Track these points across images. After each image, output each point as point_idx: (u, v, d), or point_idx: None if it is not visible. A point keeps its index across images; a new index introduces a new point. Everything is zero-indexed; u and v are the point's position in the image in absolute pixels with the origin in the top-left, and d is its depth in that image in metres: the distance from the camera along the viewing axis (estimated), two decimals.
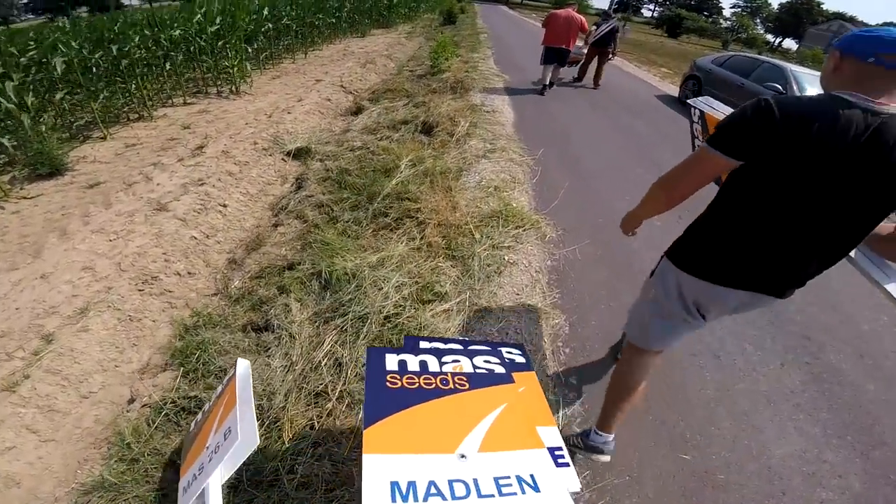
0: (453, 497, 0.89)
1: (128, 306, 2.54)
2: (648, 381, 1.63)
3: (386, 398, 1.08)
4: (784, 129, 1.07)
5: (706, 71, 7.80)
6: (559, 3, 55.12)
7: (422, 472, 0.92)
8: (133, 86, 5.36)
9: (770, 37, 61.72)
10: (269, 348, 2.20)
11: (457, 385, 1.16)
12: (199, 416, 1.65)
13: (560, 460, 1.03)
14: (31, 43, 5.02)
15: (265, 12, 7.96)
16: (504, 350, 1.36)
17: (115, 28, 5.65)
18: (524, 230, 3.27)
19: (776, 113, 1.08)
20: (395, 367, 1.19)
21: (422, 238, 2.98)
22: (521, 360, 1.33)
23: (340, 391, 1.97)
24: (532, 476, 0.97)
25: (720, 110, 1.98)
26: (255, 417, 1.20)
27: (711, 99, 2.19)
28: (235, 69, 6.42)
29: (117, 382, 2.21)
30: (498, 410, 1.11)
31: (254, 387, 1.65)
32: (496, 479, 0.94)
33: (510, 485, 0.94)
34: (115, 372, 2.25)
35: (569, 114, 6.46)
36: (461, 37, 13.75)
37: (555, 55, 7.10)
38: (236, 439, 1.14)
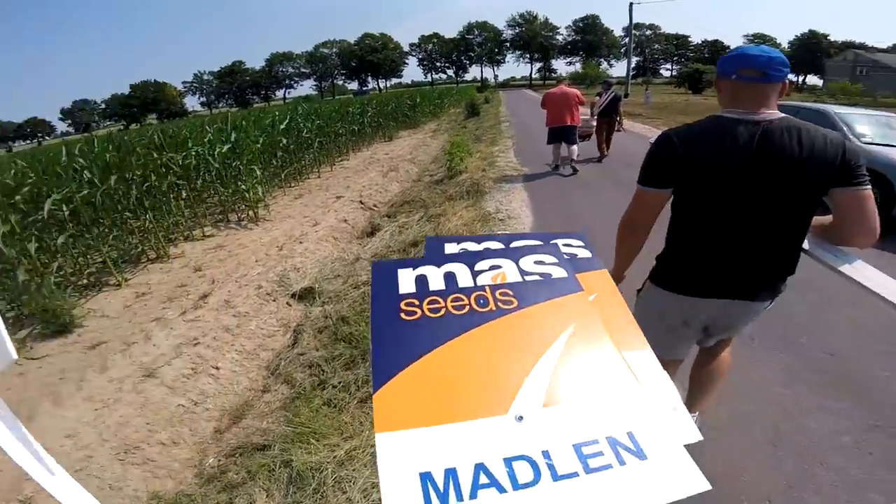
0: (515, 485, 0.55)
1: (108, 475, 2.48)
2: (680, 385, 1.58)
3: (402, 339, 0.72)
4: (685, 154, 1.24)
5: None
6: (579, 77, 57.98)
7: (464, 450, 0.59)
8: (147, 221, 5.18)
9: (791, 76, 60.66)
10: None
11: (500, 304, 0.79)
12: None
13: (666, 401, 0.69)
14: (31, 174, 4.52)
15: (281, 126, 8.14)
16: (560, 242, 0.98)
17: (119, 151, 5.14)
18: None
19: (675, 143, 1.26)
20: (412, 289, 0.81)
21: None
22: (584, 253, 0.98)
23: None
24: (631, 435, 0.62)
25: None
26: None
27: None
28: (250, 193, 6.39)
29: None
30: (565, 336, 0.74)
31: None
32: (577, 448, 0.60)
33: (600, 454, 0.60)
34: None
35: (591, 201, 5.99)
36: (482, 129, 14.15)
37: (558, 134, 7.07)
38: None
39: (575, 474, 0.57)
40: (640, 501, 0.55)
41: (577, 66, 70.41)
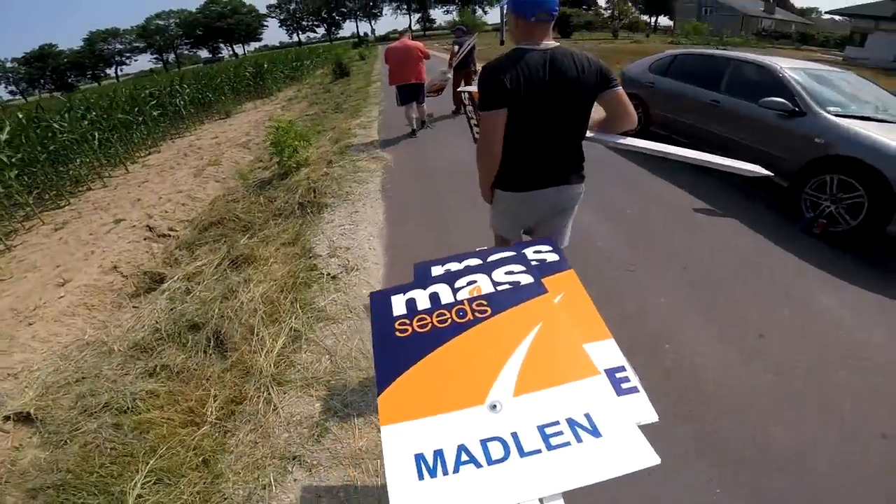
0: (489, 461, 0.70)
1: None
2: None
3: (397, 352, 0.89)
4: (504, 79, 1.56)
5: (647, 87, 5.53)
6: (468, 30, 55.34)
7: (448, 435, 0.75)
8: None
9: (644, 18, 64.34)
10: None
11: (476, 314, 0.94)
12: None
13: (623, 385, 0.82)
14: None
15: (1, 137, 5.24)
16: (530, 251, 1.12)
17: None
18: None
19: (497, 72, 1.58)
20: (403, 311, 0.98)
21: None
22: (552, 257, 1.10)
23: None
24: (588, 415, 0.74)
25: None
26: None
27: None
28: None
29: None
30: (532, 334, 0.88)
31: None
32: (541, 429, 0.73)
33: (560, 433, 0.72)
34: None
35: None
36: (348, 93, 11.58)
37: (408, 93, 6.32)
38: None
39: (538, 451, 0.70)
40: (594, 474, 0.66)
41: (455, 15, 67.41)
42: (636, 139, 1.82)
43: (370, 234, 3.59)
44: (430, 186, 4.52)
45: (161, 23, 70.11)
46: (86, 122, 6.81)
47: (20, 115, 6.52)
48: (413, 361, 0.86)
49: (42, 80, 68.51)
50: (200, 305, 2.89)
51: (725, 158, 1.67)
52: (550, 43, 1.61)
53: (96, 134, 6.90)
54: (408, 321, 0.94)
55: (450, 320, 0.93)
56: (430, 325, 0.93)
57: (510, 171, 1.76)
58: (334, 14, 74.05)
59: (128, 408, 2.20)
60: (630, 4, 52.56)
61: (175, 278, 3.50)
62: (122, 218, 5.28)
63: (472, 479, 0.68)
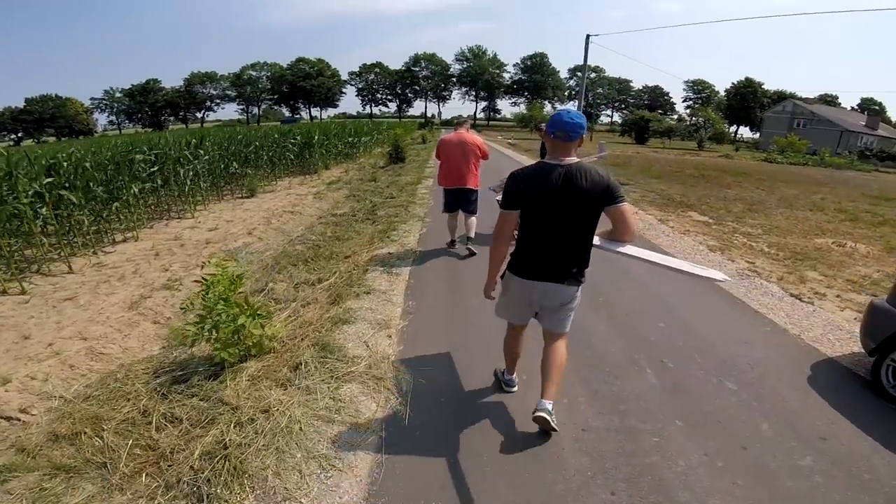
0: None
1: None
2: (522, 342, 2.59)
3: None
4: (524, 187, 2.05)
5: None
6: (525, 121, 54.28)
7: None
8: None
9: (728, 128, 61.53)
10: None
11: None
12: None
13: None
14: None
15: None
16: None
17: None
18: None
19: (519, 180, 2.07)
20: None
21: None
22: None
23: None
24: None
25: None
26: None
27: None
28: None
29: None
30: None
31: None
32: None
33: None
34: None
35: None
36: (394, 188, 9.76)
37: (456, 199, 5.27)
38: None
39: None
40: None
41: (522, 108, 68.78)
42: (631, 248, 2.21)
43: None
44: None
45: (253, 73, 74.55)
46: (32, 190, 5.00)
47: None
48: None
49: (139, 115, 74.91)
50: None
51: (688, 263, 2.32)
52: (571, 160, 2.03)
53: (42, 208, 5.09)
54: None
55: None
56: None
57: (521, 258, 2.21)
58: (407, 91, 77.99)
59: None
60: (714, 112, 50.59)
61: None
62: None
63: None
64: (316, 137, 12.79)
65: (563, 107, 71.14)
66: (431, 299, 4.06)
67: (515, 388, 2.66)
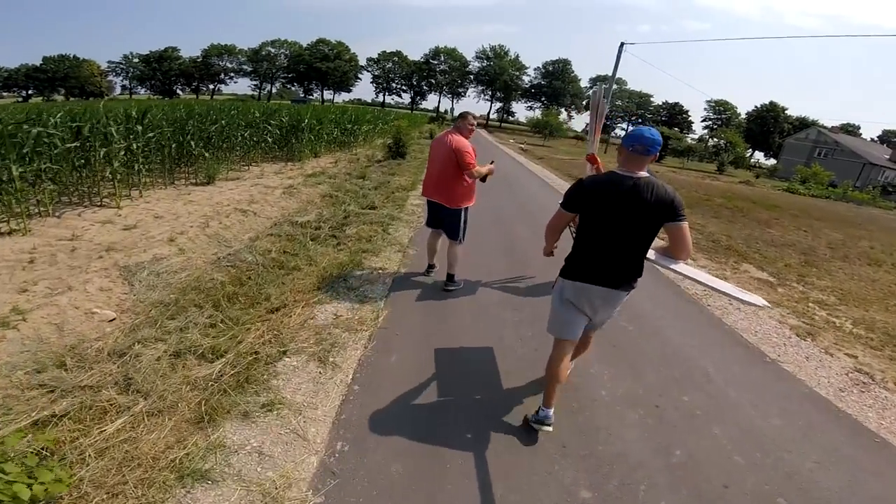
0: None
1: None
2: (568, 363, 2.46)
3: None
4: (590, 193, 2.13)
5: None
6: (539, 127, 52.17)
7: None
8: None
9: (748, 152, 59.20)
10: None
11: None
12: None
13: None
14: None
15: None
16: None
17: None
18: None
19: (586, 186, 2.15)
20: None
21: None
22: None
23: None
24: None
25: None
26: None
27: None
28: None
29: None
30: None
31: None
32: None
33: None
34: None
35: None
36: (383, 192, 8.21)
37: (433, 214, 4.12)
38: None
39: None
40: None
41: (537, 112, 66.58)
42: (683, 266, 2.30)
43: None
44: None
45: (272, 50, 72.98)
46: None
47: None
48: None
49: (151, 81, 73.42)
50: None
51: (731, 286, 2.35)
52: (642, 174, 2.08)
53: None
54: None
55: None
56: None
57: (578, 262, 2.25)
58: (423, 83, 76.06)
59: None
60: (737, 135, 48.27)
61: None
62: None
63: None
64: (306, 121, 11.23)
65: (580, 116, 69.76)
66: (384, 441, 2.28)
67: (551, 428, 2.38)
